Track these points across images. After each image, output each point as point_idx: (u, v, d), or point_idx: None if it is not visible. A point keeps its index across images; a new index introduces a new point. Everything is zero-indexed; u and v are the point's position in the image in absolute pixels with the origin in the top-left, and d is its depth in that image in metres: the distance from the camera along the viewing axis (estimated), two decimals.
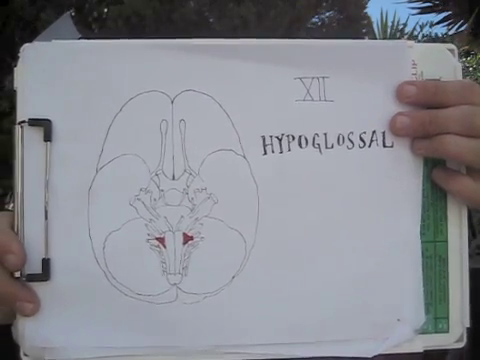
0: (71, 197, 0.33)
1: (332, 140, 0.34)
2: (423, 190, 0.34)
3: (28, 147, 0.33)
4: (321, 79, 0.34)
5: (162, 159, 0.33)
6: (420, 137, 0.33)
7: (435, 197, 0.35)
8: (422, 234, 0.34)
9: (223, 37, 0.34)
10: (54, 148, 0.33)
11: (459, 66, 0.35)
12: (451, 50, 0.35)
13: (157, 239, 0.33)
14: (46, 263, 0.32)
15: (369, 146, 0.34)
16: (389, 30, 3.86)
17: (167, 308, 0.33)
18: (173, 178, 0.33)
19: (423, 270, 0.34)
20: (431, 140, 0.33)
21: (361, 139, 0.34)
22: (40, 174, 0.33)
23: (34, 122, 0.33)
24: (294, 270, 0.34)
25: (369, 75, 0.34)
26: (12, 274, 0.32)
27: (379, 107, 0.34)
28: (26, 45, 0.34)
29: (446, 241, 0.34)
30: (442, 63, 0.34)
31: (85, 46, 0.34)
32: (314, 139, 0.34)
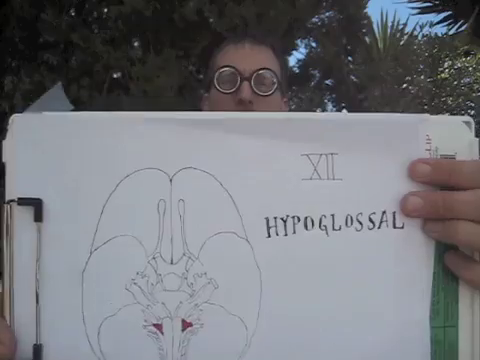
0: (64, 280, 0.31)
1: (340, 221, 0.32)
2: (434, 273, 0.32)
3: (18, 226, 0.31)
4: (330, 156, 0.32)
5: (160, 241, 0.31)
6: (432, 219, 0.32)
7: (447, 280, 0.33)
8: (432, 319, 0.33)
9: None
10: (46, 228, 0.31)
11: (476, 141, 0.33)
12: (467, 123, 0.33)
13: (154, 325, 0.31)
14: (38, 349, 0.31)
15: (379, 227, 0.32)
16: (389, 30, 3.82)
17: None
18: (171, 262, 0.31)
19: (431, 358, 0.32)
20: (444, 225, 0.31)
21: (370, 220, 0.32)
22: (31, 255, 0.31)
23: (24, 202, 0.31)
24: (297, 358, 0.32)
25: (380, 151, 0.32)
26: None
27: (390, 186, 0.32)
28: (15, 116, 0.32)
29: (456, 326, 0.33)
30: (458, 137, 0.32)
31: (78, 119, 0.32)
32: (321, 221, 0.32)
